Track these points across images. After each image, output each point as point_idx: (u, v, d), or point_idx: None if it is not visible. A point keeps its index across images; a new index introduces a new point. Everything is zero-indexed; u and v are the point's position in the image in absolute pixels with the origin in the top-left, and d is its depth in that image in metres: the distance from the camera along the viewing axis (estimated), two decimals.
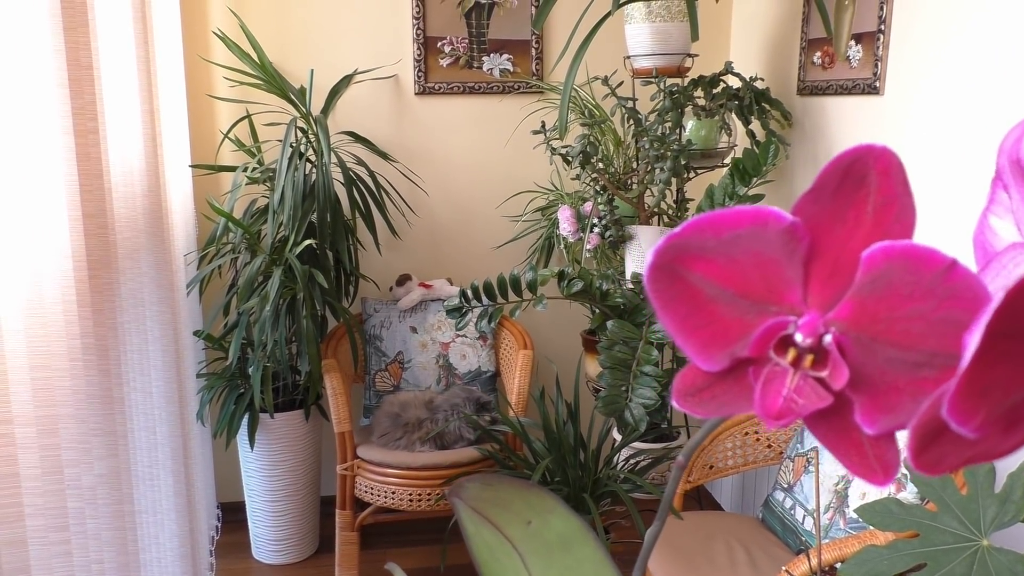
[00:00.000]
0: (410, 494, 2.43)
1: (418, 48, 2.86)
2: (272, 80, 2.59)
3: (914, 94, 2.02)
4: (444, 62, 2.90)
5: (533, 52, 2.92)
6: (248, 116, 2.71)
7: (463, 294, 2.26)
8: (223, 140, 2.74)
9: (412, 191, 2.93)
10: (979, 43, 1.78)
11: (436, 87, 2.90)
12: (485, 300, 2.26)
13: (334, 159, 2.63)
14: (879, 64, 2.13)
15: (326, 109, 2.75)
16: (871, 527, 1.56)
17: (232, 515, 2.92)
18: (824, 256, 0.35)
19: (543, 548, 0.55)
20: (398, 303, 2.81)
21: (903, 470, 1.56)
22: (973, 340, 0.26)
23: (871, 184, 0.34)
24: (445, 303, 2.31)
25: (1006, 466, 1.39)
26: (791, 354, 0.35)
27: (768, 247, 0.35)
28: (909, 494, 1.59)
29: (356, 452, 2.50)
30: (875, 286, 0.33)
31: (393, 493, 2.44)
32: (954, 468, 0.30)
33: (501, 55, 2.92)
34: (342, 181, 2.64)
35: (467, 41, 2.90)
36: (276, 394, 2.61)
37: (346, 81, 2.79)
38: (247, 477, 2.68)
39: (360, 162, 2.76)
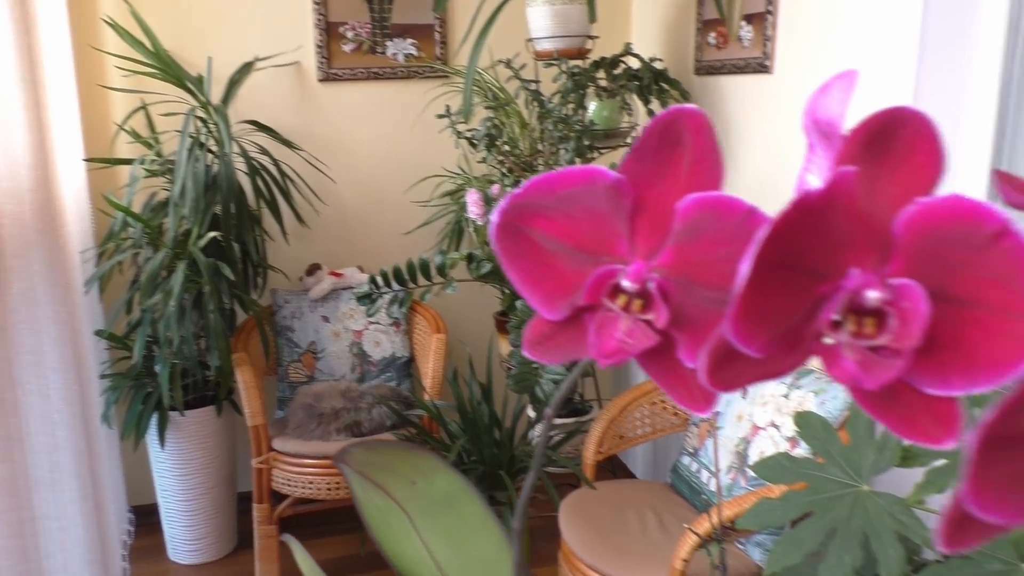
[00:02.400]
0: (328, 483, 2.42)
1: (320, 34, 2.83)
2: (167, 69, 2.52)
3: (802, 71, 2.11)
4: (347, 48, 2.87)
5: (437, 36, 2.92)
6: (144, 107, 2.63)
7: (372, 280, 2.26)
8: (118, 132, 2.65)
9: (319, 179, 2.90)
10: (863, 22, 1.88)
11: (340, 73, 2.88)
12: (395, 285, 2.27)
13: (236, 149, 2.58)
14: (768, 43, 2.21)
15: (226, 98, 2.68)
16: (769, 483, 1.64)
17: (146, 518, 2.85)
18: (648, 209, 0.38)
19: (429, 507, 0.57)
20: (309, 293, 2.79)
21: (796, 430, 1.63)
22: (744, 268, 0.29)
23: (686, 142, 0.37)
24: (355, 290, 2.30)
25: None
26: (622, 300, 0.38)
27: (598, 203, 0.38)
28: (803, 450, 1.68)
29: (271, 445, 2.47)
30: (690, 234, 0.36)
31: (311, 483, 2.43)
32: (747, 384, 0.33)
33: (405, 39, 2.91)
34: (246, 171, 2.59)
35: (370, 26, 2.87)
36: (186, 391, 2.56)
37: (246, 69, 2.74)
38: (159, 477, 2.62)
39: (264, 151, 2.72)
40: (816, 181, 0.41)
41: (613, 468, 2.79)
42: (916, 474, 1.32)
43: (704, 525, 1.55)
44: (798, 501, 1.28)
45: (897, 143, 0.32)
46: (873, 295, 0.30)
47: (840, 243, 0.31)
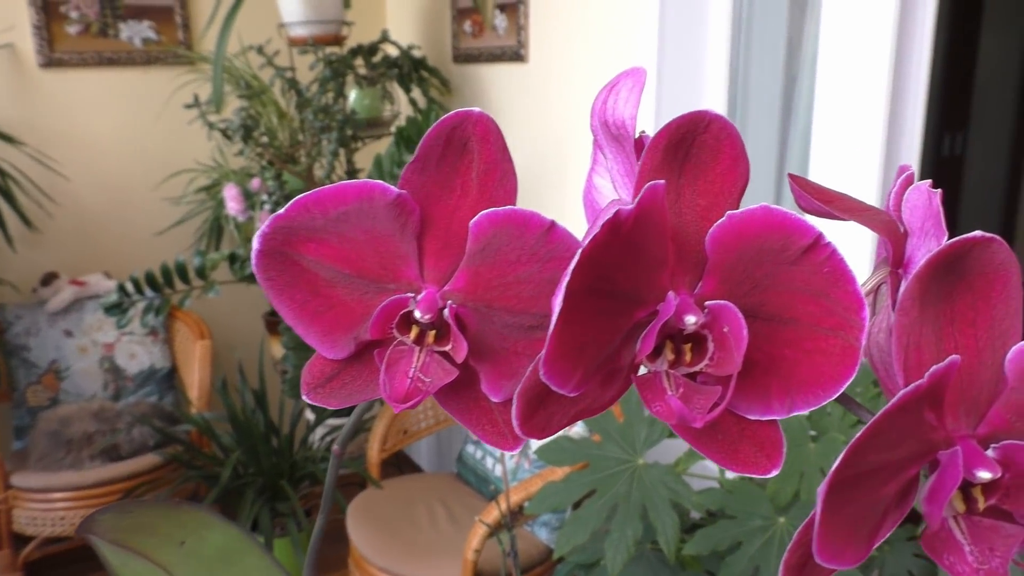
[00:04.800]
0: (83, 516, 2.17)
1: (36, 13, 2.50)
2: None
3: (554, 61, 2.17)
4: (72, 29, 2.56)
5: (178, 19, 2.69)
6: None
7: (122, 288, 2.05)
8: None
9: (49, 177, 2.57)
10: (608, 12, 1.96)
11: (66, 58, 2.56)
12: (149, 292, 2.07)
13: None
14: (522, 32, 2.25)
15: None
16: (552, 464, 1.68)
17: None
18: (436, 228, 0.34)
19: (203, 567, 0.50)
20: (45, 306, 2.47)
21: None
22: (557, 302, 0.26)
23: (473, 151, 0.33)
24: (102, 300, 2.07)
25: None
26: (414, 332, 0.34)
27: (378, 222, 0.33)
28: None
29: (9, 481, 2.17)
30: (485, 254, 0.33)
31: (62, 519, 2.17)
32: (562, 427, 0.31)
33: (141, 22, 2.65)
34: None
35: (98, 6, 2.58)
36: None
37: None
38: None
39: None
40: (605, 184, 0.39)
41: (399, 464, 2.75)
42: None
43: (493, 513, 1.56)
44: (580, 481, 1.32)
45: (699, 150, 0.31)
46: (691, 320, 0.29)
47: (653, 264, 0.29)
